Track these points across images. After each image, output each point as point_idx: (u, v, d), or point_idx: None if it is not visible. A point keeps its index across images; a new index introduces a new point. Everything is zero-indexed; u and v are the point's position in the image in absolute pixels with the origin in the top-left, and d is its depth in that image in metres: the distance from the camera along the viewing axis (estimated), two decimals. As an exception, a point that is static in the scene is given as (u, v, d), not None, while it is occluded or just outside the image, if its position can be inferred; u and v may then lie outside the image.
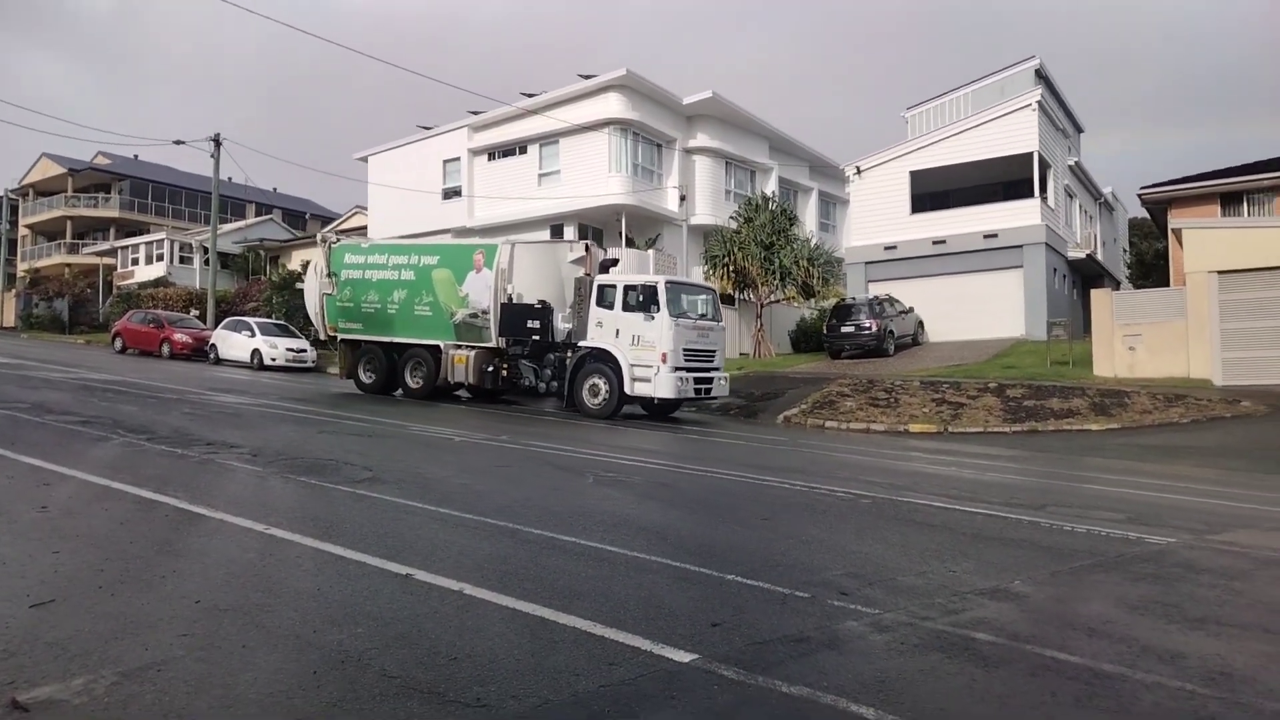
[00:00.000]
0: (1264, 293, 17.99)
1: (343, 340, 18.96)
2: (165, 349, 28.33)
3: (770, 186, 34.58)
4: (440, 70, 76.55)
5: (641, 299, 15.32)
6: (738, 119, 34.09)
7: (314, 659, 3.26)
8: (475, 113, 33.79)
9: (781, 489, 8.41)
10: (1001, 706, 3.19)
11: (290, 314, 31.46)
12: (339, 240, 20.09)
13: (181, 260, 47.55)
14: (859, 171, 30.66)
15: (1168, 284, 24.47)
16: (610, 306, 15.62)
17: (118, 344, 30.02)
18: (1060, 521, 7.17)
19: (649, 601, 4.24)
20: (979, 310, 27.06)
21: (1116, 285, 33.82)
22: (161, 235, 48.26)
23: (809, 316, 30.75)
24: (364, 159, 38.17)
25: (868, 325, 24.64)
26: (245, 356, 26.53)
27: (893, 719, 2.95)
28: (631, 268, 16.61)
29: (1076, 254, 30.65)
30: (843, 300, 26.96)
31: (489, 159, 34.08)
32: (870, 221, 30.24)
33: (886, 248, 29.48)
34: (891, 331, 25.13)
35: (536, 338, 16.40)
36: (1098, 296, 20.58)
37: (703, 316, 16.09)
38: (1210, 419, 15.63)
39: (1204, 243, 18.94)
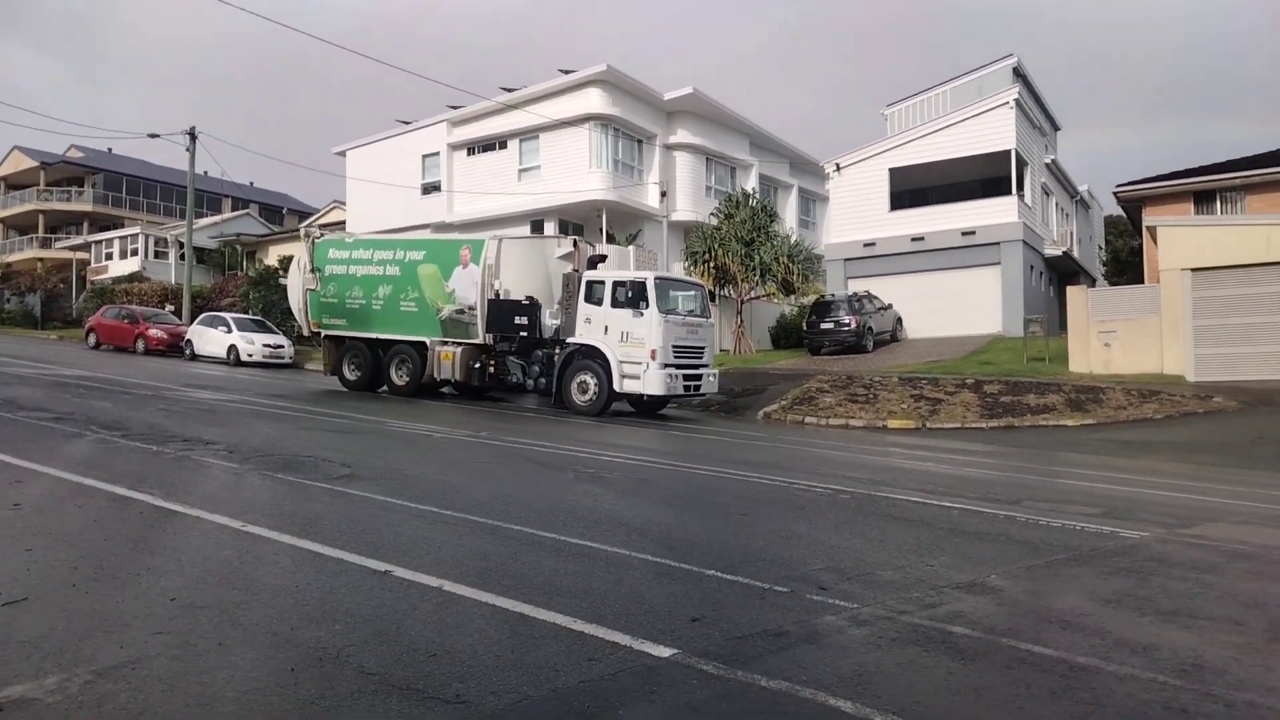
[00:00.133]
0: (1236, 290, 18.25)
1: (327, 336, 18.76)
2: (140, 345, 27.91)
3: (751, 183, 34.61)
4: (419, 65, 76.31)
5: (630, 295, 15.27)
6: (718, 115, 34.10)
7: (291, 656, 3.24)
8: (455, 107, 33.57)
9: (761, 484, 8.45)
10: (978, 699, 3.23)
11: (267, 309, 31.13)
12: (323, 235, 19.91)
13: (156, 255, 46.98)
14: (839, 168, 30.77)
15: (1142, 281, 24.74)
16: (599, 303, 15.57)
17: (91, 340, 29.56)
18: (1036, 516, 7.26)
19: (629, 597, 4.25)
20: (957, 307, 27.26)
21: (1092, 282, 34.14)
22: (136, 230, 47.66)
23: (789, 313, 30.84)
24: (342, 153, 37.84)
25: (847, 322, 24.79)
26: (221, 352, 26.20)
27: (870, 712, 2.97)
28: (613, 264, 16.56)
29: (1053, 251, 30.96)
30: (822, 297, 27.06)
31: (468, 154, 33.89)
32: (850, 218, 30.38)
33: (866, 244, 29.62)
34: (870, 328, 25.29)
35: (524, 334, 16.31)
36: (1073, 293, 20.80)
37: (691, 313, 16.08)
38: (1183, 415, 15.86)
39: (1177, 240, 19.17)
